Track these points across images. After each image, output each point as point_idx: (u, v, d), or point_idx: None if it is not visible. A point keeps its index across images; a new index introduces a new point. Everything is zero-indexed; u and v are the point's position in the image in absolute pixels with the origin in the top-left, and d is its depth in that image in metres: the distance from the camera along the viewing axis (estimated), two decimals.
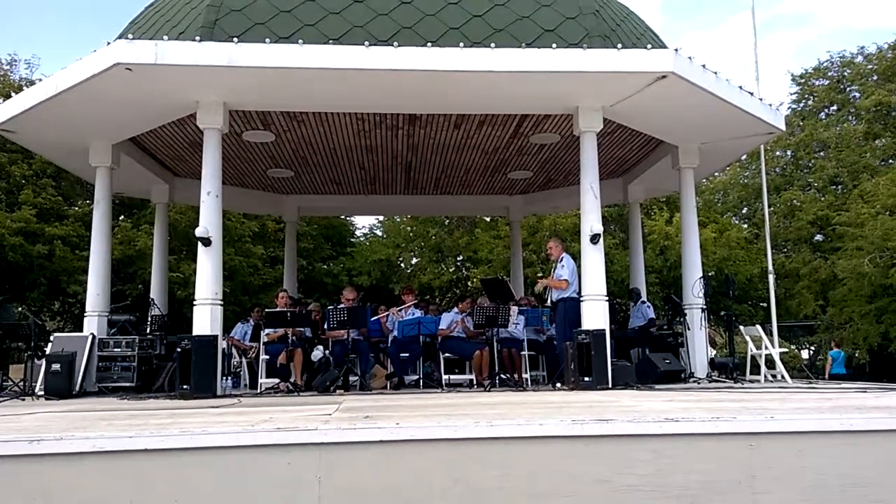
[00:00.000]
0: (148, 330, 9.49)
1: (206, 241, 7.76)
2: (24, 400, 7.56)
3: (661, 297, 16.20)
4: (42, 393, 7.86)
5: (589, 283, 8.10)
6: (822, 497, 3.50)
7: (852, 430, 3.63)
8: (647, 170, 11.03)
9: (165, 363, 8.67)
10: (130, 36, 7.54)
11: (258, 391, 8.52)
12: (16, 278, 15.22)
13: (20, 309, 15.94)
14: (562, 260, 8.54)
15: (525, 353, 9.15)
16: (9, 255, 14.43)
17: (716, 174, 21.36)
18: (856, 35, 62.76)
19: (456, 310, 9.47)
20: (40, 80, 8.77)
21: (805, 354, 25.38)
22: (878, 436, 3.64)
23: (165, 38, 7.23)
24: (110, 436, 3.40)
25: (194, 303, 7.73)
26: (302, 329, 8.94)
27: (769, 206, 14.45)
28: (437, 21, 7.73)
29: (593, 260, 8.17)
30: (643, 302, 10.90)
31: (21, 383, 8.45)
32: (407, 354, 9.05)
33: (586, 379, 7.53)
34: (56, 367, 7.78)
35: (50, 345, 8.30)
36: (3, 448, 3.29)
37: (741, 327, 10.26)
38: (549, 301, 8.89)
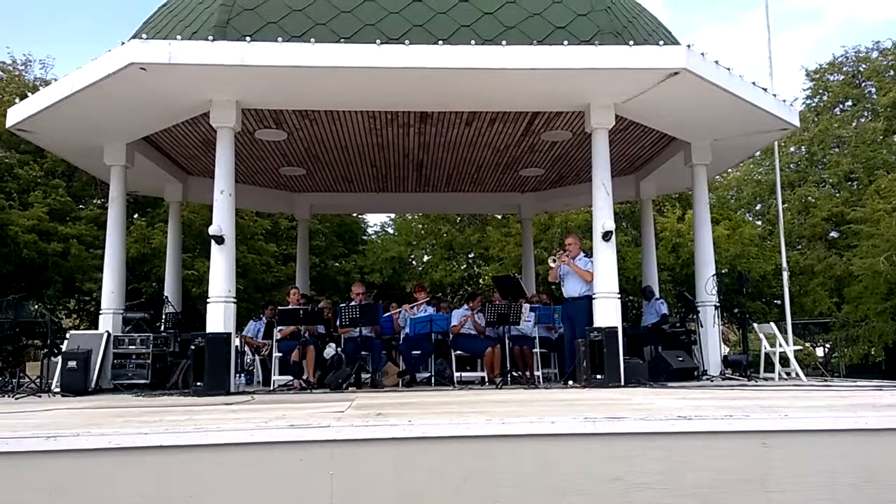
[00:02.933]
0: (162, 327, 9.57)
1: (220, 239, 7.81)
2: (40, 397, 7.65)
3: (674, 295, 16.11)
4: (58, 390, 7.95)
5: (601, 280, 8.08)
6: (836, 496, 3.48)
7: (867, 429, 3.60)
8: (659, 167, 10.97)
9: (179, 360, 8.73)
10: (144, 36, 7.60)
11: (271, 388, 8.57)
12: (31, 276, 15.38)
13: (37, 307, 16.12)
14: (588, 256, 8.50)
15: (537, 350, 9.15)
16: (23, 253, 14.56)
17: (729, 171, 21.20)
18: (863, 27, 62.30)
19: (466, 307, 9.49)
20: (55, 79, 8.84)
21: (820, 352, 25.16)
22: (893, 434, 3.61)
23: (179, 37, 7.28)
24: (126, 432, 3.44)
25: (208, 300, 7.79)
26: (315, 326, 8.98)
27: (783, 203, 14.32)
28: (449, 19, 7.73)
29: (605, 257, 8.14)
30: (657, 299, 10.85)
31: (37, 380, 8.55)
32: (419, 352, 9.08)
33: (598, 377, 7.52)
34: (72, 364, 7.87)
35: (66, 342, 8.39)
36: (21, 444, 3.34)
37: (755, 325, 10.19)
38: (558, 262, 8.66)
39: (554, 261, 8.66)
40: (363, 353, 8.80)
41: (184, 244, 12.51)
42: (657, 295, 11.08)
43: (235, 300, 7.93)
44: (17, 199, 15.52)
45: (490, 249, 20.63)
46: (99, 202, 16.46)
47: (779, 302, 18.20)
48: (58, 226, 15.21)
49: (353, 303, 8.82)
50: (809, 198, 20.61)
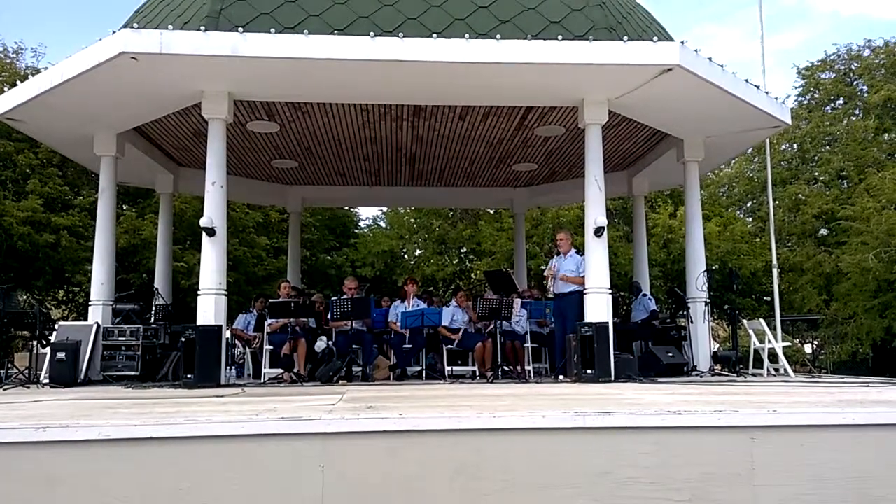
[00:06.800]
0: (152, 319, 9.53)
1: (211, 232, 7.78)
2: (29, 388, 7.62)
3: (665, 291, 16.17)
4: (47, 381, 7.92)
5: (593, 276, 8.10)
6: (823, 490, 3.51)
7: (854, 425, 3.63)
8: (651, 163, 11.00)
9: (169, 352, 8.71)
10: (136, 25, 7.54)
11: (262, 381, 8.56)
12: (21, 266, 15.26)
13: (26, 297, 16.00)
14: (581, 254, 8.51)
15: (528, 345, 9.17)
16: (17, 245, 14.47)
17: (721, 167, 21.27)
18: (846, 21, 63.09)
19: (454, 303, 9.53)
20: (46, 68, 8.77)
21: (808, 349, 25.33)
22: (880, 430, 3.64)
23: (170, 27, 7.22)
24: (116, 424, 3.43)
25: (199, 292, 7.76)
26: (306, 319, 8.97)
27: (774, 200, 14.39)
28: (443, 12, 7.70)
29: (597, 253, 8.16)
30: (644, 295, 10.90)
31: (26, 371, 8.50)
32: (410, 346, 9.09)
33: (589, 371, 7.54)
34: (61, 355, 7.83)
35: (55, 333, 8.34)
36: (10, 435, 3.32)
37: (744, 321, 10.26)
38: (551, 291, 8.81)
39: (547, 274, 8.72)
40: (354, 346, 8.81)
41: (174, 236, 12.44)
42: (644, 291, 11.13)
43: (226, 293, 7.91)
44: (11, 189, 15.39)
45: (482, 244, 20.62)
46: (88, 192, 16.32)
47: (768, 299, 18.29)
48: (51, 216, 15.09)
49: (344, 296, 8.81)
50: (800, 195, 20.70)
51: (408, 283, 9.90)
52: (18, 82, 8.52)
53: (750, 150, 19.76)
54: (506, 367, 8.75)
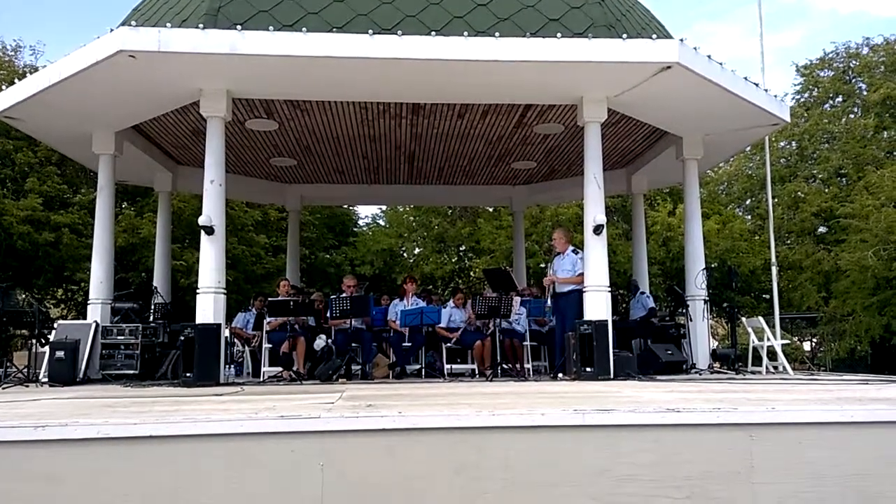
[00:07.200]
0: (151, 318, 9.52)
1: (209, 230, 7.78)
2: (28, 387, 7.61)
3: (664, 289, 16.18)
4: (46, 380, 7.91)
5: (592, 274, 8.10)
6: (821, 488, 3.52)
7: (853, 422, 3.64)
8: (650, 161, 11.00)
9: (168, 351, 8.71)
10: (134, 23, 7.52)
11: (261, 379, 8.56)
12: (22, 265, 15.25)
13: (25, 296, 16.00)
14: (577, 252, 8.48)
15: (527, 343, 9.18)
16: (17, 244, 14.45)
17: (721, 165, 21.27)
18: (844, 19, 63.31)
19: (451, 303, 9.53)
20: (45, 66, 8.76)
21: (807, 346, 25.37)
22: (879, 427, 3.65)
23: (168, 25, 7.21)
24: (115, 422, 3.43)
25: (197, 291, 7.76)
26: (305, 318, 8.97)
27: (773, 198, 14.38)
28: (441, 10, 7.69)
29: (596, 251, 8.16)
30: (642, 293, 10.91)
31: (25, 370, 8.50)
32: (409, 344, 9.09)
33: (588, 369, 7.55)
34: (60, 354, 7.83)
35: (53, 332, 8.34)
36: (9, 434, 3.32)
37: (743, 319, 10.26)
38: (550, 292, 8.81)
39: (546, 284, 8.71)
40: (353, 344, 8.81)
41: (173, 234, 12.44)
42: (642, 289, 11.14)
43: (225, 291, 7.91)
44: (10, 188, 15.37)
45: (481, 242, 20.63)
46: (87, 190, 16.30)
47: (767, 296, 18.30)
48: (50, 215, 15.08)
49: (343, 295, 8.81)
50: (799, 193, 20.71)
51: (407, 282, 9.89)
52: (17, 80, 8.49)
53: (749, 148, 19.74)
54: (505, 366, 8.75)
